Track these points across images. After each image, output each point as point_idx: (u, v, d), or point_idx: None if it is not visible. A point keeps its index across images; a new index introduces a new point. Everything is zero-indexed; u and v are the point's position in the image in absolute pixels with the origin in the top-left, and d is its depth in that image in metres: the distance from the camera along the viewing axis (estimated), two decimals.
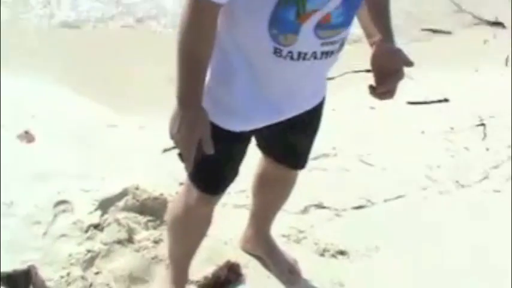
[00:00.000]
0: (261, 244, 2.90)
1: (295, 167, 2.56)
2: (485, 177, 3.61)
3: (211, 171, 2.20)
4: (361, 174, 3.55)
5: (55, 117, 3.66)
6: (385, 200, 3.38)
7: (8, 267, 2.68)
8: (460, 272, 2.97)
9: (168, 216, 2.62)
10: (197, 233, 2.51)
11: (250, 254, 2.93)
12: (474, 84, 4.52)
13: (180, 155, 2.08)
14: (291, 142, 2.42)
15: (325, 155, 3.62)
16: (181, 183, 2.92)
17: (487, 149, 3.84)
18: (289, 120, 2.23)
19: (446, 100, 4.27)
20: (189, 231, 2.48)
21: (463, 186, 3.54)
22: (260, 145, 2.45)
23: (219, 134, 2.08)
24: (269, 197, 2.74)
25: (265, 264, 2.89)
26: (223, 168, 2.26)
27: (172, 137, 2.01)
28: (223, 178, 2.32)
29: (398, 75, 2.11)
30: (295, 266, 2.89)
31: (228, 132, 2.15)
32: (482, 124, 4.05)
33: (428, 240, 3.13)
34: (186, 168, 2.03)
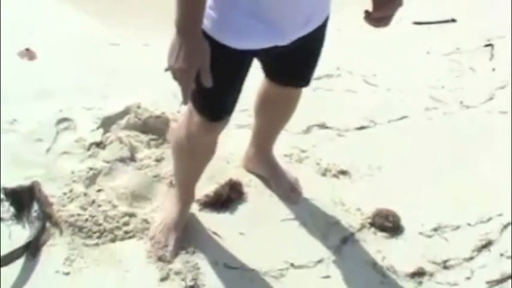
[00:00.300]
0: (263, 163, 2.91)
1: (299, 86, 2.54)
2: (491, 98, 3.58)
3: (212, 96, 2.11)
4: (365, 95, 3.53)
5: (57, 34, 3.62)
6: (389, 121, 3.36)
7: (11, 183, 2.70)
8: (463, 190, 3.00)
9: (172, 142, 2.61)
10: (201, 161, 2.50)
11: (252, 173, 2.94)
12: (483, 3, 4.42)
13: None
14: (295, 63, 2.37)
15: (329, 76, 3.59)
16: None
17: (494, 70, 3.79)
18: (293, 42, 2.18)
19: (453, 20, 4.20)
20: (193, 158, 2.46)
21: (467, 107, 3.51)
22: (265, 68, 2.42)
23: (222, 55, 2.04)
24: (271, 116, 2.73)
25: (267, 183, 2.91)
26: (224, 93, 2.19)
27: (171, 67, 1.93)
28: (224, 103, 2.25)
29: (396, 2, 2.06)
30: (296, 184, 2.91)
31: (231, 51, 2.08)
32: (490, 44, 3.99)
33: (432, 160, 3.14)
34: (184, 100, 1.97)
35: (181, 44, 1.90)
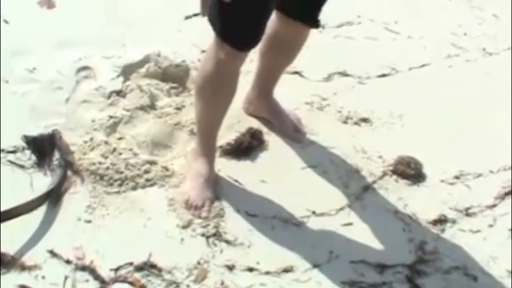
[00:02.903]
0: (265, 105, 2.91)
1: (308, 23, 2.55)
2: None
3: (241, 26, 2.26)
4: (386, 43, 3.49)
5: None
6: (410, 68, 3.33)
7: (32, 131, 2.70)
8: (485, 137, 2.98)
9: (197, 78, 2.57)
10: (227, 91, 2.48)
11: (253, 116, 2.94)
12: None
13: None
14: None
15: (350, 23, 3.55)
16: (203, 51, 2.89)
17: None
18: None
19: None
20: (220, 88, 2.46)
21: (490, 54, 3.47)
22: (281, 2, 2.45)
23: None
24: (279, 56, 2.73)
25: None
26: (253, 23, 2.30)
27: None
28: (254, 32, 2.33)
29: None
30: (299, 124, 2.93)
31: None
32: None
33: (453, 107, 3.11)
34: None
35: None
